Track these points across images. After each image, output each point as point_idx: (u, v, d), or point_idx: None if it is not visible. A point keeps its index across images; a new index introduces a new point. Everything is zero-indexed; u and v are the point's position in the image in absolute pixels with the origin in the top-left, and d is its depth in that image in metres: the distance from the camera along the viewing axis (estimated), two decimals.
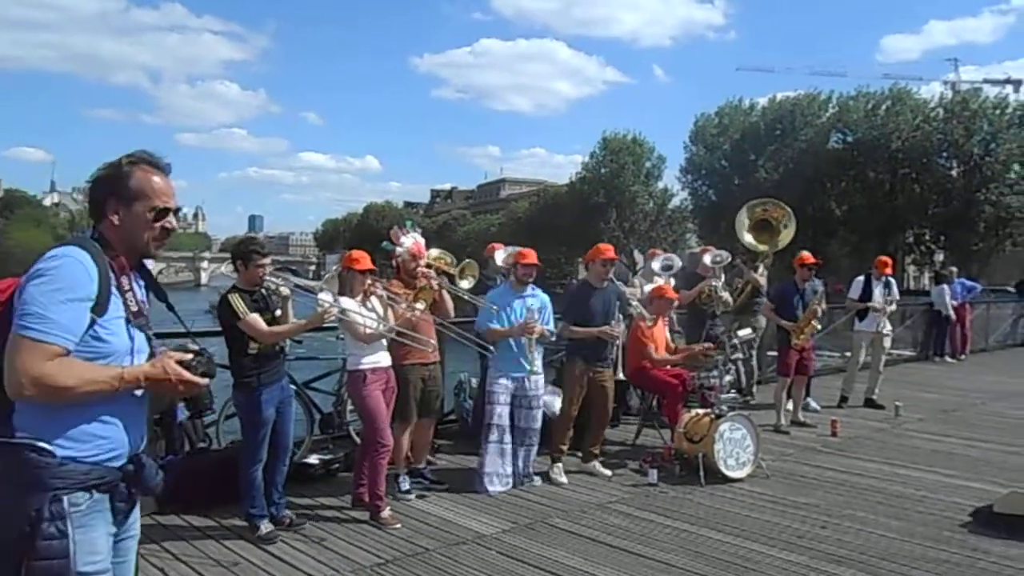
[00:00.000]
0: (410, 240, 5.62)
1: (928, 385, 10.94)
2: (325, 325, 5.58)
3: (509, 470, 5.81)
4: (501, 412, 5.75)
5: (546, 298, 6.03)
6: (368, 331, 4.98)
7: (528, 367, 5.79)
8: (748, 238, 8.84)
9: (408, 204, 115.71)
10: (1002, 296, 24.60)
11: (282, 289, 4.80)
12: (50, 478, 1.94)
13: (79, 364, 1.95)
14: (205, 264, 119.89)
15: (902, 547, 4.60)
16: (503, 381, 5.77)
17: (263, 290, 4.77)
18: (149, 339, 2.18)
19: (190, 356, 2.10)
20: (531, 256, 5.97)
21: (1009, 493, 5.10)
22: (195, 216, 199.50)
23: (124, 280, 2.11)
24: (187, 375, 2.08)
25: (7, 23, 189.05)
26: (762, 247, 8.88)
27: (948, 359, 13.61)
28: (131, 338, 2.10)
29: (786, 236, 8.87)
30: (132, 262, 2.17)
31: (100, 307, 2.00)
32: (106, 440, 2.04)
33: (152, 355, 2.15)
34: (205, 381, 2.13)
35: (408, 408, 5.47)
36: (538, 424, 5.95)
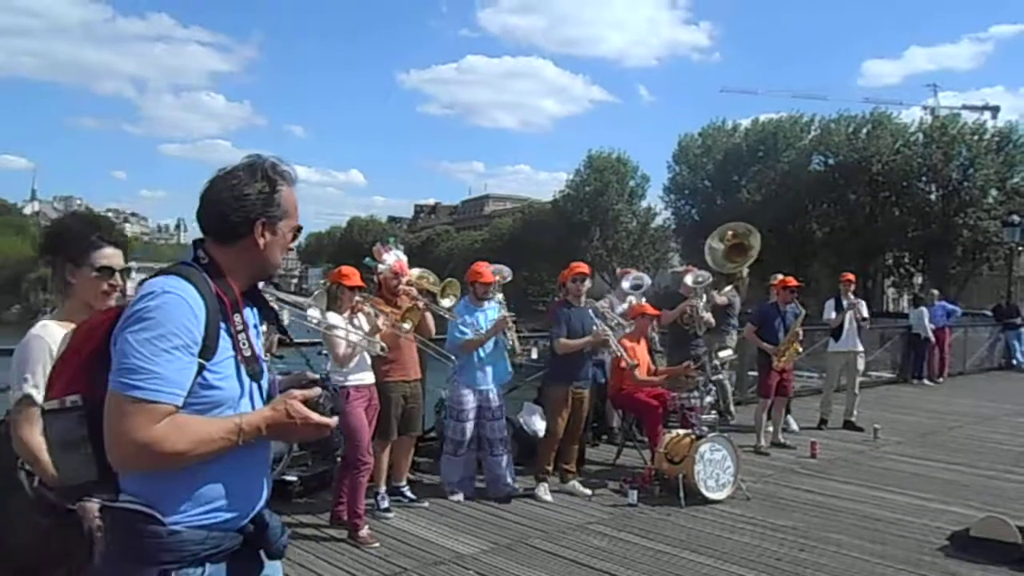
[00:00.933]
0: (392, 257, 5.64)
1: (906, 408, 11.02)
2: (310, 341, 5.60)
3: (459, 479, 6.02)
4: (465, 428, 5.91)
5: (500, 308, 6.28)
6: (347, 353, 4.96)
7: (506, 361, 6.19)
8: (723, 262, 8.90)
9: (392, 219, 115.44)
10: (979, 320, 24.87)
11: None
12: (159, 551, 1.66)
13: (191, 422, 1.65)
14: None
15: (879, 570, 4.62)
16: (468, 396, 5.88)
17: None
18: (266, 381, 1.87)
19: (316, 391, 1.79)
20: (487, 275, 6.18)
21: (986, 517, 5.14)
22: (177, 227, 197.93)
23: (237, 318, 1.78)
24: (315, 417, 1.76)
25: None
26: (733, 266, 8.95)
27: (926, 382, 13.72)
28: (241, 383, 1.77)
29: (753, 254, 8.93)
30: (245, 287, 1.88)
31: (208, 350, 1.69)
32: (222, 501, 1.74)
33: (270, 396, 1.85)
34: (334, 421, 1.81)
35: (389, 425, 5.47)
36: (504, 433, 6.12)
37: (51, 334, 2.40)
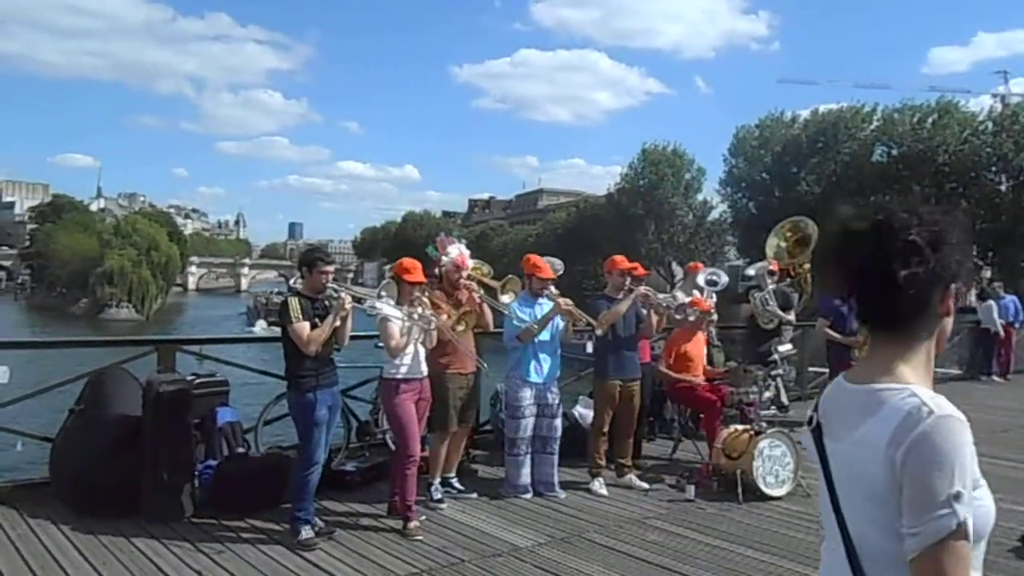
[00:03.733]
0: (456, 250, 5.69)
1: (975, 404, 10.64)
2: (367, 334, 5.66)
3: (529, 480, 5.86)
4: (526, 425, 5.79)
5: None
6: (400, 344, 5.01)
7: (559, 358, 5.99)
8: (788, 259, 8.63)
9: (446, 213, 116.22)
10: None
11: (344, 296, 4.85)
12: None
13: None
14: (245, 270, 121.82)
15: None
16: (526, 392, 5.78)
17: (327, 301, 4.85)
18: None
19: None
20: (546, 271, 6.00)
21: None
22: (236, 223, 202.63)
23: None
24: None
25: (55, 31, 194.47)
26: (803, 259, 8.71)
27: (996, 378, 13.25)
28: None
29: (813, 243, 8.67)
30: None
31: None
32: None
33: None
34: None
35: (448, 417, 5.52)
36: (559, 433, 6.01)
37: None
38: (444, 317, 5.36)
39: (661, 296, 6.75)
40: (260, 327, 64.03)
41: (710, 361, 7.51)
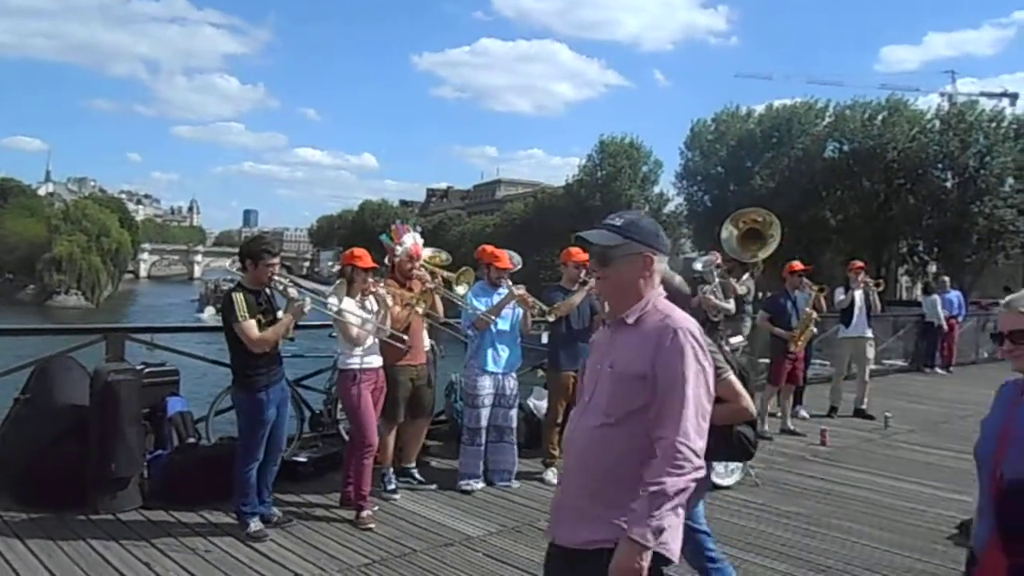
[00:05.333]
0: (410, 240, 5.65)
1: (918, 396, 10.98)
2: (320, 323, 5.62)
3: (481, 468, 5.89)
4: (483, 415, 5.81)
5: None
6: (360, 335, 4.99)
7: (519, 347, 6.04)
8: (737, 249, 8.76)
9: (404, 203, 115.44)
10: (994, 308, 24.66)
11: (290, 290, 4.74)
12: None
13: None
14: (199, 258, 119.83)
15: (888, 558, 4.63)
16: (484, 381, 5.80)
17: (267, 291, 4.74)
18: None
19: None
20: (504, 260, 6.02)
21: None
22: (190, 209, 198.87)
23: None
24: None
25: (4, 11, 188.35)
26: (750, 255, 8.85)
27: (939, 370, 13.65)
28: None
29: (773, 243, 8.84)
30: None
31: None
32: None
33: None
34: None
35: (396, 409, 5.51)
36: (514, 423, 6.05)
37: None
38: (397, 308, 5.34)
39: None
40: (208, 314, 63.01)
41: None
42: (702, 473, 2.14)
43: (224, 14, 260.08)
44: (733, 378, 3.25)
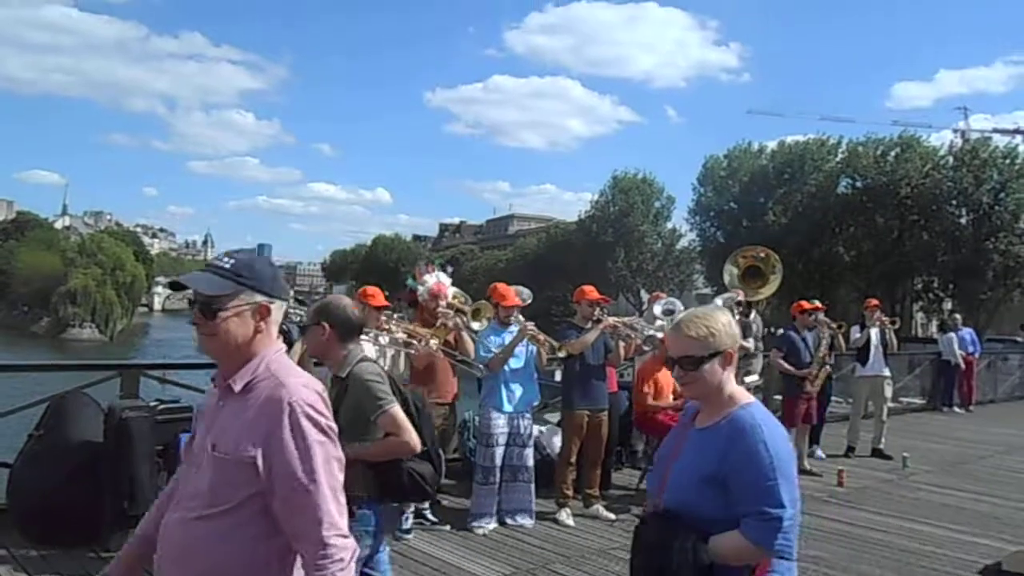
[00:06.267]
0: (432, 279, 5.68)
1: (936, 436, 10.83)
2: None
3: (495, 508, 5.83)
4: (497, 454, 5.77)
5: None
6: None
7: (535, 385, 6.02)
8: (739, 287, 8.72)
9: (417, 237, 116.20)
10: (1010, 347, 24.40)
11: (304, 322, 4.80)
12: None
13: None
14: None
15: None
16: (499, 420, 5.77)
17: (284, 325, 4.79)
18: None
19: None
20: (511, 298, 6.01)
21: (1017, 551, 5.03)
22: (204, 243, 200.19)
23: None
24: None
25: (26, 47, 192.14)
26: (754, 293, 8.81)
27: (956, 409, 13.47)
28: None
29: (775, 281, 8.78)
30: None
31: None
32: None
33: None
34: None
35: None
36: (531, 462, 5.98)
37: None
38: (424, 342, 5.34)
39: (626, 319, 6.79)
40: None
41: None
42: (359, 552, 1.96)
43: (241, 51, 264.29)
44: (396, 410, 3.08)
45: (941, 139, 48.19)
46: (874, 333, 9.24)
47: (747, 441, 2.09)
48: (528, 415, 6.00)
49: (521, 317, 6.14)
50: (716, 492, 2.09)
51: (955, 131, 53.43)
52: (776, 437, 2.14)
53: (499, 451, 5.78)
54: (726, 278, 8.76)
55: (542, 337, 5.93)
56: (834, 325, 8.33)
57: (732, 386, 2.23)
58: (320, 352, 3.31)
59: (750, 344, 8.30)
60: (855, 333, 9.35)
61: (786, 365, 8.11)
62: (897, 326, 9.66)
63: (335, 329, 3.18)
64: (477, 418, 7.09)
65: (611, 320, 6.30)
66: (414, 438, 3.11)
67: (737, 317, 8.10)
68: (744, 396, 2.24)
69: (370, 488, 3.09)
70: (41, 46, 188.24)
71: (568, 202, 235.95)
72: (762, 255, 8.80)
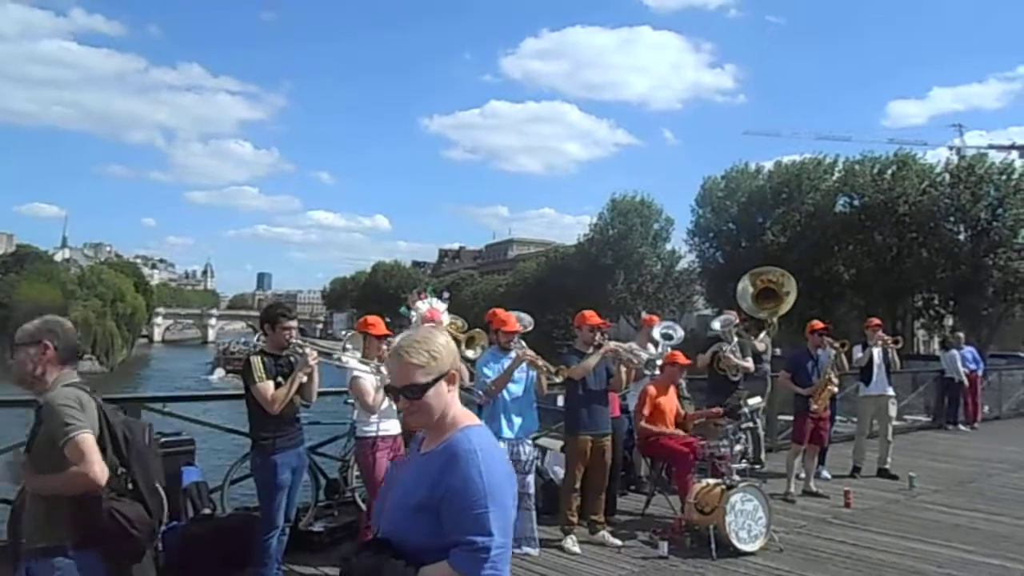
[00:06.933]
0: (425, 306, 5.67)
1: (942, 454, 10.77)
2: (335, 389, 5.60)
3: None
4: None
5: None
6: (377, 399, 4.97)
7: (534, 411, 5.94)
8: (752, 306, 8.76)
9: (416, 263, 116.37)
10: (1014, 361, 24.35)
11: (309, 352, 4.82)
12: None
13: None
14: (212, 321, 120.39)
15: None
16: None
17: (291, 357, 4.81)
18: None
19: None
20: (511, 324, 5.99)
21: None
22: (204, 273, 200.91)
23: None
24: None
25: (26, 81, 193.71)
26: (764, 314, 8.84)
27: (962, 427, 13.39)
28: None
29: (788, 302, 8.84)
30: None
31: None
32: None
33: None
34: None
35: None
36: (532, 489, 5.93)
37: None
38: None
39: (626, 345, 6.76)
40: (218, 375, 63.23)
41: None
42: None
43: (240, 81, 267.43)
44: (83, 437, 2.76)
45: (937, 156, 48.53)
46: (876, 352, 9.22)
47: (461, 467, 1.98)
48: (528, 441, 5.97)
49: (523, 343, 6.13)
50: (429, 520, 1.99)
51: (951, 148, 53.84)
52: (493, 462, 2.02)
53: None
54: (740, 286, 8.78)
55: (541, 362, 5.90)
56: (837, 344, 8.30)
57: (456, 409, 2.12)
58: (29, 374, 2.97)
59: (749, 364, 8.29)
60: (857, 352, 9.32)
61: (792, 384, 8.09)
62: (900, 345, 9.63)
63: (58, 352, 2.98)
64: None
65: (612, 345, 6.28)
66: (97, 470, 2.74)
67: (735, 338, 8.13)
68: (466, 419, 2.13)
69: (73, 532, 2.81)
70: (41, 80, 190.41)
71: (567, 225, 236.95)
72: (775, 279, 8.82)
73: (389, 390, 2.15)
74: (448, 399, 2.10)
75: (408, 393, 2.07)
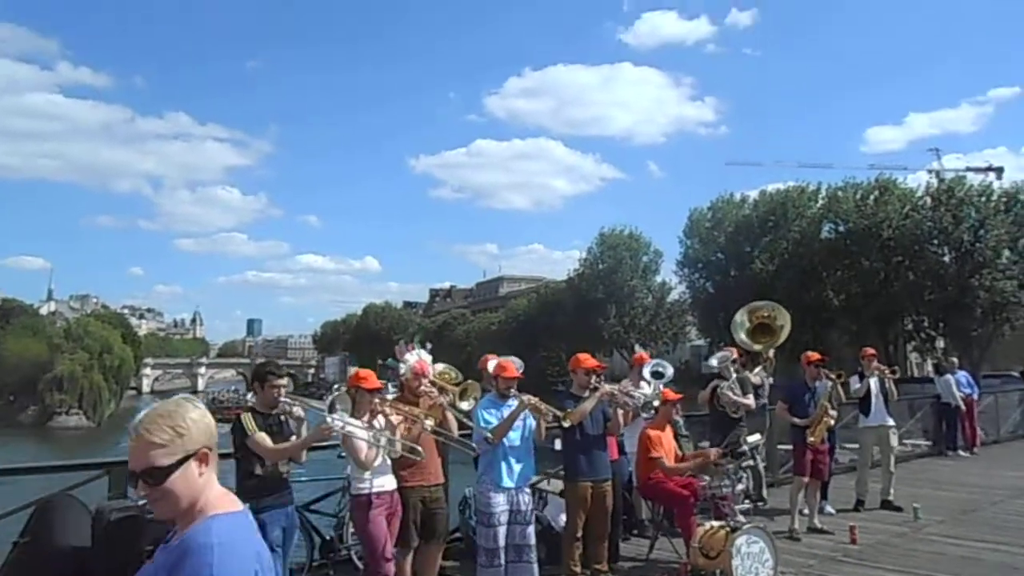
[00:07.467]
0: (414, 357, 5.57)
1: (944, 482, 10.65)
2: (328, 444, 5.48)
3: None
4: (499, 534, 5.56)
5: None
6: (370, 456, 4.86)
7: (532, 459, 5.81)
8: (747, 341, 8.71)
9: (407, 304, 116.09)
10: (1008, 381, 24.31)
11: (295, 410, 4.83)
12: None
13: None
14: (202, 370, 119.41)
15: None
16: (498, 498, 5.57)
17: (281, 415, 4.80)
18: None
19: None
20: (511, 370, 5.89)
21: None
22: (193, 321, 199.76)
23: None
24: None
25: (10, 134, 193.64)
26: (759, 347, 8.79)
27: (961, 452, 13.27)
28: None
29: (783, 335, 8.80)
30: None
31: None
32: None
33: None
34: None
35: (408, 532, 5.30)
36: (533, 540, 5.75)
37: None
38: (403, 424, 5.22)
39: (621, 387, 6.67)
40: None
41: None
42: None
43: (227, 128, 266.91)
44: None
45: (917, 180, 49.05)
46: (873, 382, 9.16)
47: (190, 564, 1.75)
48: (527, 490, 5.82)
49: (514, 388, 6.00)
50: None
51: (929, 171, 54.44)
52: (232, 559, 1.78)
53: (501, 530, 5.56)
54: (737, 318, 8.74)
55: (544, 408, 5.78)
56: (834, 375, 8.23)
57: (210, 494, 1.88)
58: None
59: (750, 401, 8.22)
60: (854, 383, 9.26)
61: (789, 416, 8.00)
62: (897, 376, 9.58)
63: None
64: (476, 496, 6.92)
65: (608, 388, 6.19)
66: None
67: (734, 375, 8.06)
68: (220, 505, 1.89)
69: None
70: (26, 133, 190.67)
71: (557, 260, 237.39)
72: (769, 313, 8.79)
73: (131, 476, 1.85)
74: (199, 483, 1.86)
75: (147, 478, 1.80)
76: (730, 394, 7.95)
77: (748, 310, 8.89)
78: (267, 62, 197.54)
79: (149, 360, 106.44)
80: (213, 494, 1.89)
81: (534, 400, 5.71)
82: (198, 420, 1.90)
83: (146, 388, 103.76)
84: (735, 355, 8.34)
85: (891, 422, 9.33)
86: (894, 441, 9.37)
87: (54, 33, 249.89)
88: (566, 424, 5.90)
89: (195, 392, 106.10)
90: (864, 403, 9.21)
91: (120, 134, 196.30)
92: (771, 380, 9.10)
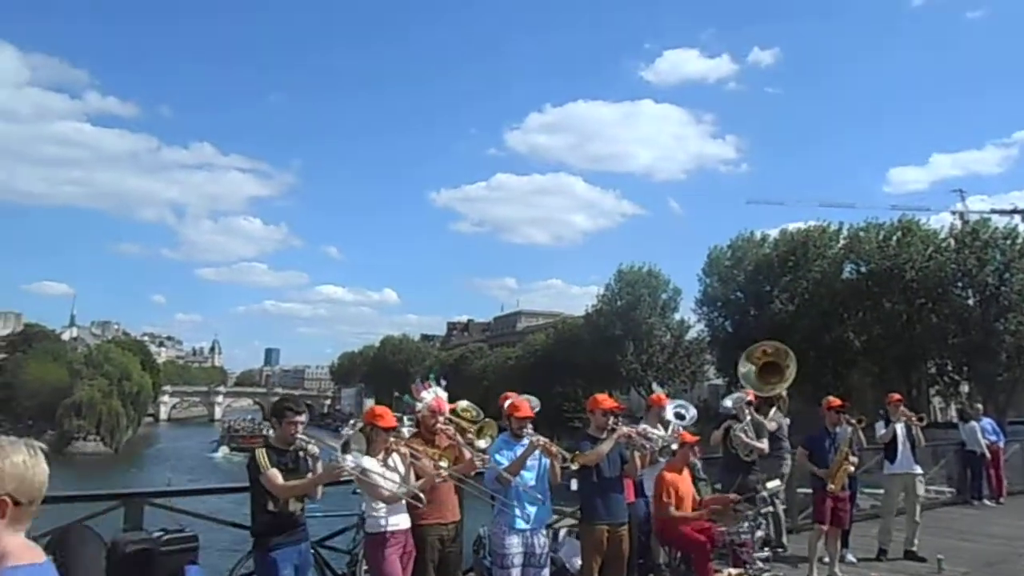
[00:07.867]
0: (430, 395, 5.57)
1: (969, 533, 10.40)
2: (342, 479, 5.46)
3: None
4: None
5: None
6: (387, 493, 4.83)
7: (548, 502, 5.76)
8: (757, 384, 8.64)
9: (425, 337, 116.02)
10: None
11: (310, 447, 4.82)
12: None
13: None
14: (220, 399, 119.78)
15: None
16: (513, 540, 5.51)
17: (298, 451, 4.80)
18: None
19: None
20: (524, 409, 5.87)
21: None
22: (211, 350, 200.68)
23: None
24: None
25: (39, 161, 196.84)
26: (769, 388, 8.70)
27: (987, 502, 12.97)
28: None
29: (792, 371, 8.71)
30: None
31: None
32: None
33: None
34: None
35: (425, 571, 5.23)
36: None
37: None
38: (424, 460, 5.19)
39: (639, 429, 6.59)
40: (222, 453, 62.79)
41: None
42: None
43: (250, 159, 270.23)
44: None
45: (940, 221, 48.58)
46: (900, 428, 9.01)
47: None
48: (542, 532, 5.76)
49: (530, 429, 5.94)
50: None
51: (953, 213, 53.96)
52: None
53: (515, 572, 5.51)
54: (742, 370, 8.70)
55: (555, 449, 5.73)
56: (855, 421, 8.11)
57: (7, 544, 1.79)
58: None
59: (764, 445, 8.11)
60: (880, 428, 9.11)
61: (810, 464, 7.87)
62: (924, 424, 9.40)
63: None
64: (491, 538, 6.86)
65: (626, 430, 6.13)
66: None
67: (748, 417, 7.98)
68: (18, 556, 1.80)
69: None
70: (53, 159, 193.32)
71: (575, 296, 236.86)
72: (771, 350, 8.73)
73: None
74: None
75: None
76: (743, 436, 7.85)
77: (745, 356, 8.87)
78: (291, 96, 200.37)
79: (167, 388, 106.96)
80: (13, 544, 1.81)
81: (544, 441, 5.65)
82: (17, 464, 1.80)
83: (163, 415, 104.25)
84: (750, 396, 8.26)
85: (918, 470, 9.16)
86: (920, 489, 9.19)
87: (84, 63, 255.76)
88: (573, 466, 5.86)
89: (212, 421, 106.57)
90: (890, 449, 9.05)
91: (145, 163, 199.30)
92: (787, 420, 8.99)
